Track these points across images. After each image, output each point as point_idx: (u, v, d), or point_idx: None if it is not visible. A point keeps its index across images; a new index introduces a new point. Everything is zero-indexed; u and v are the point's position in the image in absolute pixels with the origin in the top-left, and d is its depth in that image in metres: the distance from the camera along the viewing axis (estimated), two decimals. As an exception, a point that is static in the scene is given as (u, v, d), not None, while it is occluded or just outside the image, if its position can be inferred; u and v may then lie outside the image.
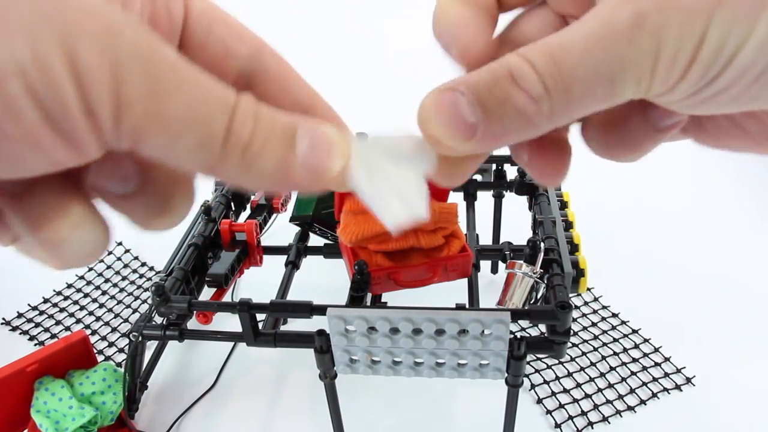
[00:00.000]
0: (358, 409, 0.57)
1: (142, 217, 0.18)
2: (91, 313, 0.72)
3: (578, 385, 0.60)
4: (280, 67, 0.20)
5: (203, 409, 0.60)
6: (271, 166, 0.16)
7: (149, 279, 0.77)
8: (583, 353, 0.63)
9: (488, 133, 0.17)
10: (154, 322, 0.51)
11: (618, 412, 0.57)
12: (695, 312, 0.68)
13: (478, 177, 0.66)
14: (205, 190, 0.68)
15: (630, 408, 0.57)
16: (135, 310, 0.72)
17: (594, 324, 0.67)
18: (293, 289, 0.57)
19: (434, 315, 0.42)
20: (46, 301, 0.74)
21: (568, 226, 0.56)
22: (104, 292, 0.75)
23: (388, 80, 1.19)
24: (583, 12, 0.17)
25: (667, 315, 0.67)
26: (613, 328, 0.66)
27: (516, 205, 0.66)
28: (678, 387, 0.59)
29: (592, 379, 0.60)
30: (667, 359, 0.62)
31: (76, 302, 0.74)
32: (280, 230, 0.68)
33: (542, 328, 0.64)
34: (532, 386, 0.60)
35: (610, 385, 0.59)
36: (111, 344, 0.68)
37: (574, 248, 0.53)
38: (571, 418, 0.56)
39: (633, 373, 0.61)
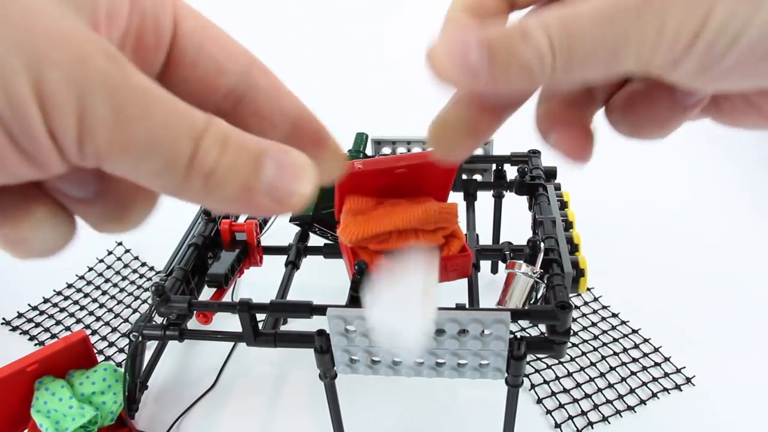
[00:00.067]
0: (358, 409, 0.57)
1: (96, 220, 0.18)
2: (91, 313, 0.72)
3: (578, 385, 0.60)
4: (269, 82, 0.20)
5: (203, 409, 0.60)
6: (233, 191, 0.16)
7: (149, 279, 0.77)
8: (583, 353, 0.63)
9: (490, 78, 0.18)
10: (154, 322, 0.51)
11: (618, 412, 0.57)
12: (695, 312, 0.68)
13: (478, 177, 0.66)
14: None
15: (630, 408, 0.57)
16: (135, 310, 0.72)
17: (594, 324, 0.67)
18: (293, 289, 0.57)
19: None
20: (46, 301, 0.74)
21: (568, 226, 0.56)
22: (104, 292, 0.75)
23: (388, 81, 1.19)
24: None
25: (667, 315, 0.67)
26: (613, 328, 0.66)
27: (516, 205, 0.66)
28: (678, 387, 0.59)
29: (592, 379, 0.60)
30: (667, 359, 0.62)
31: (76, 302, 0.74)
32: (280, 230, 0.68)
33: (542, 328, 0.64)
34: (532, 386, 0.60)
35: (610, 385, 0.59)
36: (111, 344, 0.68)
37: (574, 248, 0.53)
38: (571, 418, 0.56)
39: (633, 373, 0.61)
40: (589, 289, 0.71)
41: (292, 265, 0.59)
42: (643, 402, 0.58)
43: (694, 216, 0.84)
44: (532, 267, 0.48)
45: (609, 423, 0.56)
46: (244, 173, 0.16)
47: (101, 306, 0.73)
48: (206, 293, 0.56)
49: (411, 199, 0.51)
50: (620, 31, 0.17)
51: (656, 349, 0.63)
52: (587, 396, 0.58)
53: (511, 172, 0.64)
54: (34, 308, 0.73)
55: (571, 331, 0.46)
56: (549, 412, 0.57)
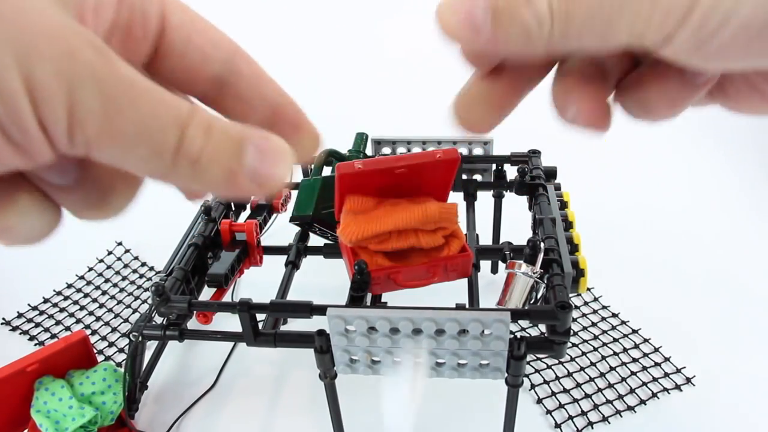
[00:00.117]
0: (358, 409, 0.57)
1: (78, 207, 0.19)
2: (91, 313, 0.72)
3: (578, 385, 0.60)
4: (251, 69, 0.21)
5: (203, 409, 0.60)
6: (219, 175, 0.17)
7: (149, 279, 0.77)
8: (583, 353, 0.63)
9: (492, 39, 0.19)
10: (154, 322, 0.51)
11: (618, 412, 0.57)
12: (695, 312, 0.68)
13: (478, 177, 0.66)
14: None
15: (630, 408, 0.57)
16: (135, 310, 0.72)
17: (594, 324, 0.67)
18: (293, 289, 0.57)
19: (434, 315, 0.42)
20: (46, 301, 0.74)
21: (568, 226, 0.56)
22: (104, 292, 0.75)
23: (388, 81, 1.19)
24: None
25: (667, 315, 0.67)
26: (613, 328, 0.66)
27: (516, 205, 0.66)
28: (678, 387, 0.59)
29: (592, 379, 0.60)
30: (667, 359, 0.62)
31: (76, 302, 0.74)
32: (280, 230, 0.68)
33: (542, 328, 0.64)
34: (532, 386, 0.60)
35: (610, 385, 0.59)
36: (111, 344, 0.68)
37: (574, 248, 0.53)
38: (571, 418, 0.56)
39: (633, 373, 0.61)
40: (589, 289, 0.71)
41: (292, 265, 0.59)
42: (643, 402, 0.58)
43: (694, 216, 0.84)
44: (532, 267, 0.48)
45: (609, 423, 0.56)
46: (227, 158, 0.17)
47: (101, 306, 0.73)
48: (206, 293, 0.56)
49: (411, 199, 0.51)
50: (615, 3, 0.18)
51: (656, 349, 0.63)
52: (587, 396, 0.58)
53: (511, 172, 0.64)
54: (34, 308, 0.73)
55: (571, 331, 0.46)
56: (549, 412, 0.57)
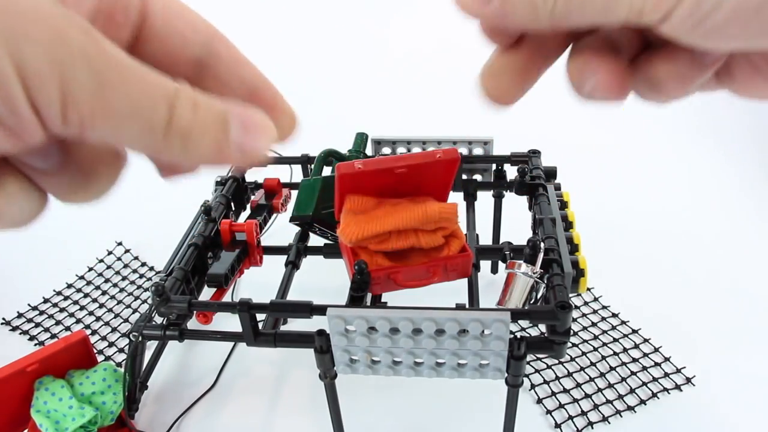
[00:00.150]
0: (358, 409, 0.57)
1: (62, 191, 0.19)
2: (91, 313, 0.72)
3: (578, 385, 0.60)
4: (229, 52, 0.22)
5: (203, 409, 0.60)
6: (208, 148, 0.18)
7: (149, 279, 0.77)
8: (583, 353, 0.63)
9: (501, 12, 0.20)
10: (154, 322, 0.51)
11: (618, 412, 0.57)
12: (695, 312, 0.68)
13: (478, 177, 0.66)
14: (205, 190, 0.68)
15: (630, 408, 0.57)
16: (135, 310, 0.72)
17: (594, 324, 0.67)
18: (293, 289, 0.57)
19: (434, 315, 0.42)
20: (46, 301, 0.74)
21: (568, 226, 0.56)
22: (104, 292, 0.75)
23: (388, 81, 1.19)
24: None
25: (667, 315, 0.67)
26: (613, 328, 0.66)
27: (516, 205, 0.66)
28: (678, 387, 0.59)
29: (592, 379, 0.60)
30: (667, 359, 0.62)
31: (76, 302, 0.74)
32: (280, 230, 0.68)
33: (542, 328, 0.64)
34: (532, 386, 0.60)
35: (610, 385, 0.59)
36: (111, 344, 0.68)
37: (574, 248, 0.53)
38: (571, 418, 0.56)
39: (633, 373, 0.61)
40: (589, 289, 0.71)
41: (292, 265, 0.59)
42: (643, 402, 0.58)
43: (694, 216, 0.84)
44: (532, 267, 0.48)
45: (609, 423, 0.56)
46: (214, 131, 0.18)
47: (101, 306, 0.73)
48: (206, 293, 0.56)
49: (411, 199, 0.51)
50: None
51: (656, 349, 0.63)
52: (587, 396, 0.58)
53: (511, 172, 0.64)
54: (34, 308, 0.73)
55: (571, 331, 0.46)
56: (549, 412, 0.57)
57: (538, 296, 0.48)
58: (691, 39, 0.19)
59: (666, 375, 0.60)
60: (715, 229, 0.81)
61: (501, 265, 0.72)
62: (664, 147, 0.99)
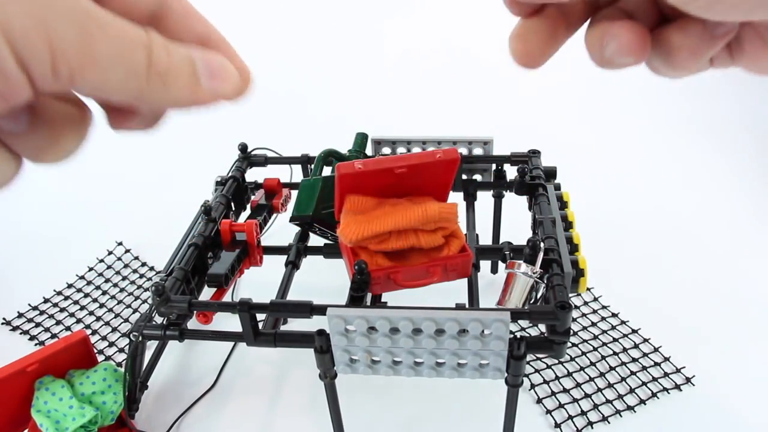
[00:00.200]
0: (358, 409, 0.57)
1: (32, 152, 0.20)
2: (91, 313, 0.72)
3: (578, 385, 0.60)
4: (181, 5, 0.23)
5: (203, 409, 0.60)
6: (185, 88, 0.19)
7: (149, 279, 0.77)
8: (583, 353, 0.63)
9: None
10: (154, 322, 0.51)
11: (618, 411, 0.57)
12: (695, 312, 0.68)
13: (478, 177, 0.66)
14: (205, 190, 0.68)
15: (630, 408, 0.57)
16: (135, 310, 0.72)
17: (594, 324, 0.67)
18: (293, 289, 0.57)
19: (434, 315, 0.42)
20: (46, 300, 0.74)
21: (568, 226, 0.56)
22: (104, 292, 0.75)
23: (388, 81, 1.19)
24: None
25: (666, 315, 0.67)
26: (613, 327, 0.66)
27: (516, 205, 0.66)
28: (678, 387, 0.59)
29: (591, 379, 0.60)
30: (666, 359, 0.62)
31: (76, 302, 0.74)
32: (280, 230, 0.68)
33: (542, 328, 0.64)
34: (532, 386, 0.60)
35: (610, 385, 0.60)
36: (111, 344, 0.68)
37: (574, 248, 0.53)
38: (570, 417, 0.56)
39: (633, 373, 0.61)
40: (589, 289, 0.71)
41: (292, 265, 0.59)
42: (642, 402, 0.58)
43: (694, 216, 0.84)
44: (532, 267, 0.48)
45: (609, 423, 0.56)
46: (186, 71, 0.19)
47: (101, 306, 0.73)
48: (206, 293, 0.56)
49: (411, 199, 0.51)
50: None
51: (656, 349, 0.63)
52: (587, 396, 0.58)
53: (511, 172, 0.64)
54: (34, 308, 0.73)
55: (571, 331, 0.46)
56: (549, 412, 0.57)
57: (538, 296, 0.48)
58: (695, 8, 0.19)
59: (666, 375, 0.60)
60: (714, 229, 0.81)
61: (501, 265, 0.72)
62: (664, 147, 0.99)
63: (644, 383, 0.59)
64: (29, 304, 0.73)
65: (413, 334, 0.43)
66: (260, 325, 0.49)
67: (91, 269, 0.79)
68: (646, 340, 0.64)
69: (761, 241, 0.78)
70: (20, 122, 0.19)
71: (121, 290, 0.75)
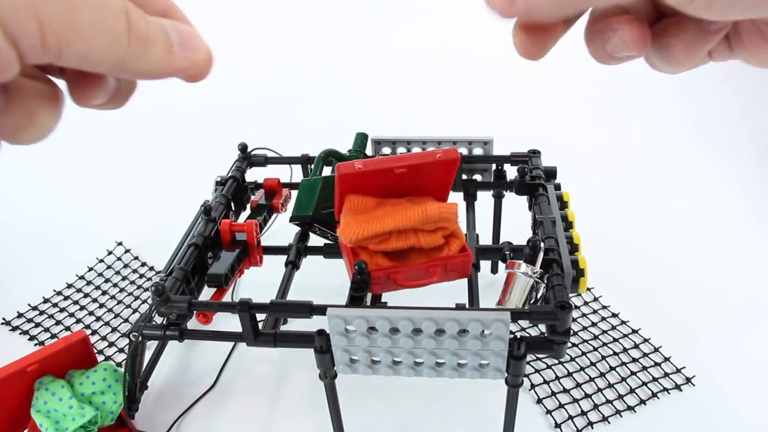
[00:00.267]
0: (358, 409, 0.57)
1: (7, 132, 0.20)
2: (91, 313, 0.72)
3: (578, 385, 0.60)
4: None
5: (203, 409, 0.60)
6: (163, 53, 0.20)
7: (149, 279, 0.77)
8: (583, 353, 0.63)
9: (525, 8, 0.21)
10: (154, 322, 0.51)
11: (618, 412, 0.57)
12: (695, 312, 0.68)
13: (478, 177, 0.66)
14: (204, 190, 0.68)
15: (630, 408, 0.57)
16: (135, 310, 0.72)
17: (594, 324, 0.67)
18: (293, 289, 0.57)
19: (434, 315, 0.42)
20: (46, 301, 0.74)
21: (568, 226, 0.56)
22: (104, 292, 0.75)
23: (388, 80, 1.19)
24: None
25: (667, 315, 0.67)
26: (613, 328, 0.66)
27: (516, 205, 0.66)
28: (678, 387, 0.59)
29: (592, 379, 0.60)
30: (666, 359, 0.62)
31: (76, 302, 0.74)
32: (280, 230, 0.68)
33: (542, 328, 0.64)
34: (532, 386, 0.60)
35: (610, 385, 0.60)
36: (111, 344, 0.68)
37: (574, 248, 0.53)
38: (571, 418, 0.56)
39: (633, 373, 0.61)
40: (589, 289, 0.71)
41: (292, 265, 0.59)
42: (643, 402, 0.58)
43: (694, 216, 0.84)
44: (532, 267, 0.48)
45: (609, 423, 0.56)
46: (163, 40, 0.20)
47: (101, 306, 0.73)
48: (206, 293, 0.56)
49: (411, 199, 0.51)
50: None
51: (656, 349, 0.63)
52: (587, 396, 0.58)
53: (511, 172, 0.64)
54: (34, 308, 0.73)
55: (571, 331, 0.46)
56: (549, 412, 0.57)
57: (538, 296, 0.48)
58: (694, 9, 0.20)
59: (666, 375, 0.60)
60: (714, 229, 0.81)
61: (501, 265, 0.72)
62: (664, 147, 0.99)
63: (644, 383, 0.59)
64: (29, 304, 0.73)
65: (413, 334, 0.43)
66: (260, 325, 0.49)
67: (90, 269, 0.79)
68: (646, 340, 0.64)
69: (761, 241, 0.78)
70: None
71: (121, 290, 0.75)
